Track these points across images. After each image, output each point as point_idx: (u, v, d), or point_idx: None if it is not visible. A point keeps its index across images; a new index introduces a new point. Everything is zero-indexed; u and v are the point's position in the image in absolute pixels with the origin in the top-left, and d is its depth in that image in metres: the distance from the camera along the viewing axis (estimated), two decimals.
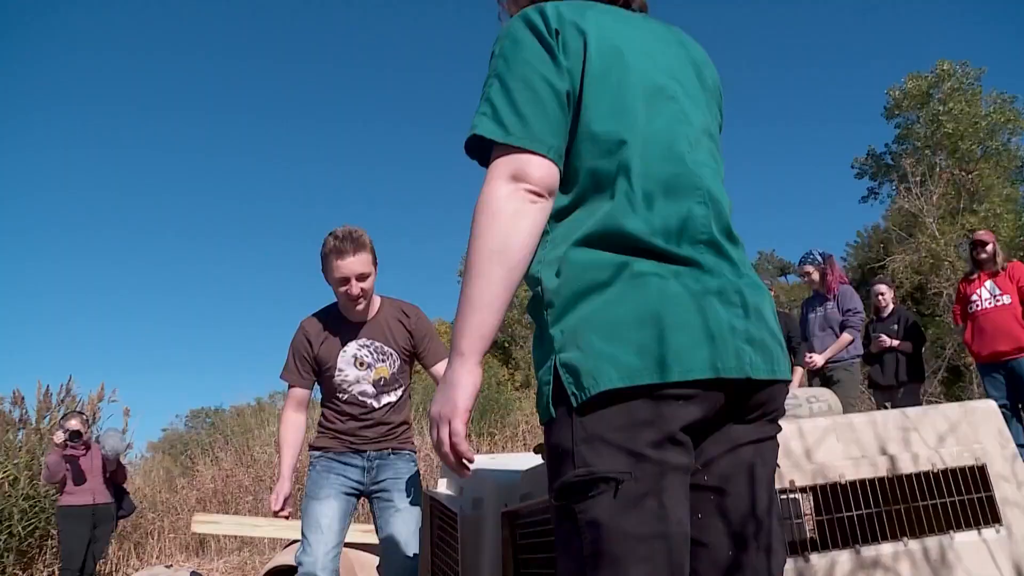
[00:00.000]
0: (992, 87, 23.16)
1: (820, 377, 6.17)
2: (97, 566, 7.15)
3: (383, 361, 3.29)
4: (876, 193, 26.27)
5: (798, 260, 6.59)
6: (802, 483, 1.76)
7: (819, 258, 6.41)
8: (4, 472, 7.69)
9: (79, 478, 6.76)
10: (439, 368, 3.27)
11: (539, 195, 1.19)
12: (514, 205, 1.17)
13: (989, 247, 6.33)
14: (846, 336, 6.11)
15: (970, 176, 21.20)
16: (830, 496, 1.81)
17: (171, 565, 7.67)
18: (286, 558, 4.78)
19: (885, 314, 6.77)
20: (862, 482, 1.82)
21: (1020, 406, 5.97)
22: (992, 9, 34.77)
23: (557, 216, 1.25)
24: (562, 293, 1.19)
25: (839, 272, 6.54)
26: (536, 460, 2.40)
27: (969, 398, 14.46)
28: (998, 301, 6.15)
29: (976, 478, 1.89)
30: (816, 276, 6.33)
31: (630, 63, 1.28)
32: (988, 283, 6.25)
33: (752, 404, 1.22)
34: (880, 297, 6.79)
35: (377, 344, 3.29)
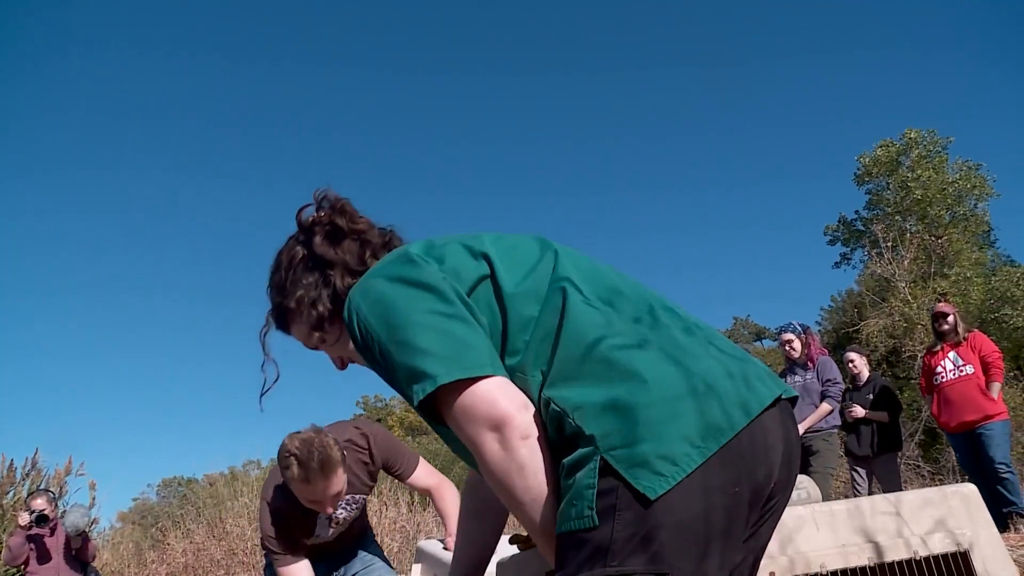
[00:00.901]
0: (958, 155, 23.75)
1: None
2: None
3: (356, 508, 3.13)
4: (848, 258, 26.64)
5: (776, 329, 6.66)
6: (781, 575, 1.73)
7: (799, 328, 6.48)
8: None
9: (43, 557, 6.60)
10: (416, 478, 3.18)
11: None
12: None
13: (950, 318, 6.45)
14: (826, 406, 6.13)
15: (939, 241, 21.56)
16: None
17: None
18: None
19: (861, 382, 6.82)
20: (843, 571, 1.79)
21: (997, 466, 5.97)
22: (958, 79, 35.88)
23: None
24: None
25: (818, 343, 6.61)
26: (510, 549, 2.35)
27: (947, 461, 14.48)
28: (961, 372, 6.23)
29: (959, 565, 1.87)
30: (797, 345, 6.37)
31: None
32: (951, 354, 6.35)
33: None
34: (851, 365, 6.85)
35: (352, 497, 3.07)
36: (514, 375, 1.23)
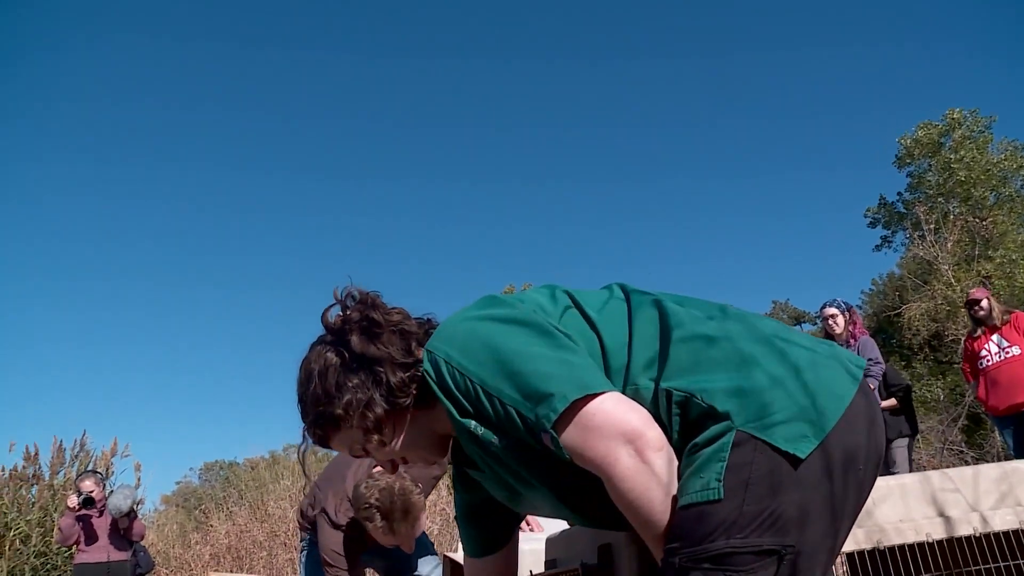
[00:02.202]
0: (1003, 135, 23.25)
1: None
2: None
3: None
4: (890, 241, 26.24)
5: (819, 307, 6.50)
6: (848, 549, 1.73)
7: (843, 305, 6.35)
8: (16, 530, 7.64)
9: (92, 537, 6.75)
10: None
11: None
12: None
13: (983, 303, 6.34)
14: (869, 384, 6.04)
15: (984, 223, 21.17)
16: (859, 562, 1.77)
17: None
18: None
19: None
20: (914, 545, 1.78)
21: None
22: (1001, 58, 35.07)
23: None
24: None
25: (860, 322, 6.49)
26: (561, 524, 2.35)
27: (991, 447, 14.28)
28: (1008, 353, 6.11)
29: (1021, 542, 1.83)
30: (840, 321, 6.22)
31: None
32: (995, 337, 6.23)
33: None
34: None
35: None
36: (624, 391, 1.23)
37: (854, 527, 1.76)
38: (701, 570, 1.10)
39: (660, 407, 1.22)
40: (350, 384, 1.39)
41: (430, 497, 10.31)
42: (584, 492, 1.30)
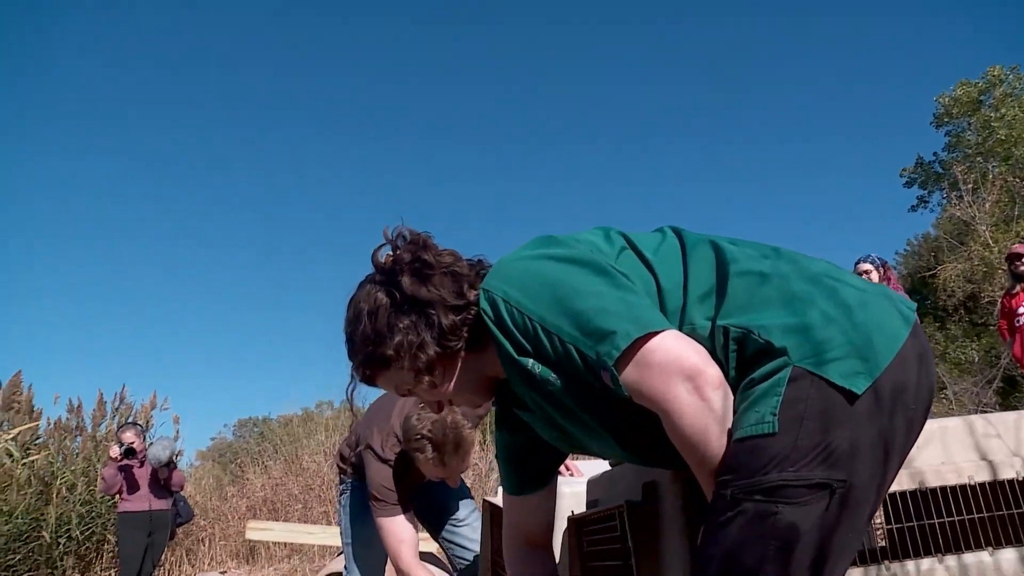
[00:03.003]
0: None
1: None
2: (154, 571, 7.29)
3: None
4: (926, 202, 25.82)
5: (854, 262, 6.43)
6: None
7: (878, 260, 6.28)
8: (62, 478, 7.85)
9: (133, 487, 6.92)
10: None
11: None
12: None
13: None
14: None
15: None
16: (900, 503, 1.78)
17: (225, 572, 7.77)
18: (338, 566, 4.82)
19: None
20: (951, 488, 1.79)
21: None
22: None
23: None
24: None
25: (895, 279, 6.41)
26: (602, 467, 2.38)
27: None
28: None
29: None
30: (875, 276, 6.16)
31: None
32: None
33: None
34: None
35: None
36: (681, 329, 1.24)
37: None
38: (753, 501, 1.12)
39: (717, 344, 1.24)
40: (401, 325, 1.39)
41: None
42: (639, 429, 1.32)
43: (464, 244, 1.47)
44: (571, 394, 1.30)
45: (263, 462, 12.21)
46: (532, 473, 1.64)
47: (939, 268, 20.25)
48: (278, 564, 9.17)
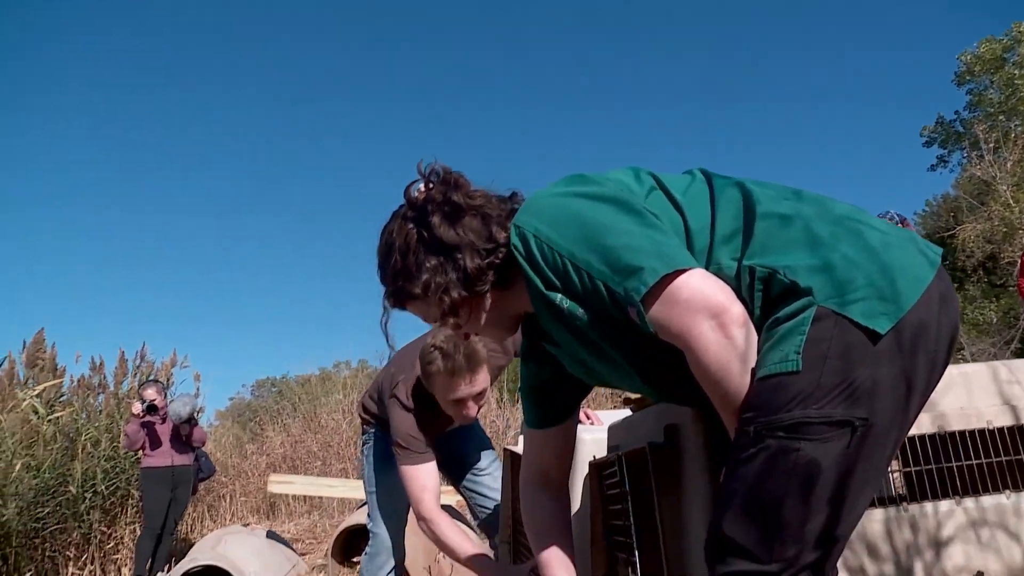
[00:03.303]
0: None
1: None
2: (177, 526, 7.43)
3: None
4: (946, 161, 25.53)
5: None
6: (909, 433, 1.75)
7: (896, 216, 6.23)
8: (87, 434, 7.98)
9: (156, 443, 7.03)
10: None
11: None
12: None
13: None
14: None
15: None
16: (920, 447, 1.80)
17: (248, 524, 7.91)
18: (359, 518, 4.91)
19: None
20: (971, 432, 1.80)
21: None
22: None
23: None
24: None
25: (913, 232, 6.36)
26: (623, 414, 2.40)
27: None
28: None
29: None
30: None
31: None
32: None
33: None
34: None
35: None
36: (707, 269, 1.26)
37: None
38: (775, 438, 1.14)
39: (742, 284, 1.26)
40: (428, 265, 1.42)
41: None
42: (663, 366, 1.34)
43: (496, 180, 1.49)
44: (597, 329, 1.32)
45: (282, 420, 12.38)
46: (554, 407, 1.67)
47: (958, 228, 20.09)
48: (298, 519, 9.32)
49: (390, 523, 3.10)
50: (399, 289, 1.48)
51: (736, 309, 1.18)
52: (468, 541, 2.51)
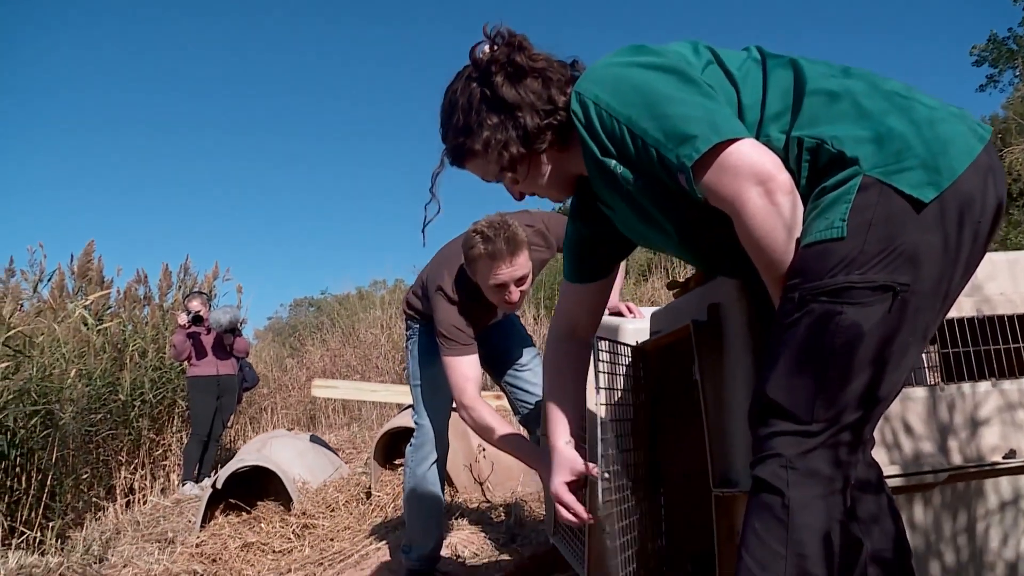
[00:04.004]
0: None
1: None
2: (223, 433, 7.69)
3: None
4: (996, 81, 24.65)
5: None
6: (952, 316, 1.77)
7: None
8: (134, 345, 8.21)
9: (201, 352, 7.22)
10: None
11: None
12: None
13: None
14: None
15: None
16: (959, 329, 1.82)
17: (292, 428, 8.16)
18: (400, 421, 5.05)
19: None
20: (1012, 317, 1.82)
21: None
22: None
23: None
24: None
25: None
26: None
27: None
28: None
29: None
30: None
31: None
32: None
33: None
34: None
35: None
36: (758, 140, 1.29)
37: (965, 297, 1.81)
38: (819, 302, 1.18)
39: (790, 155, 1.29)
40: (489, 123, 1.49)
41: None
42: (709, 234, 1.39)
43: (557, 48, 1.53)
44: (648, 195, 1.37)
45: (321, 335, 12.61)
46: (593, 265, 1.75)
47: (1006, 151, 19.53)
48: (338, 431, 9.55)
49: (434, 416, 3.19)
50: (459, 146, 1.55)
51: (783, 177, 1.22)
52: (508, 426, 2.56)
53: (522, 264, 2.67)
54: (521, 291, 2.74)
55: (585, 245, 1.73)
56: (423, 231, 1.73)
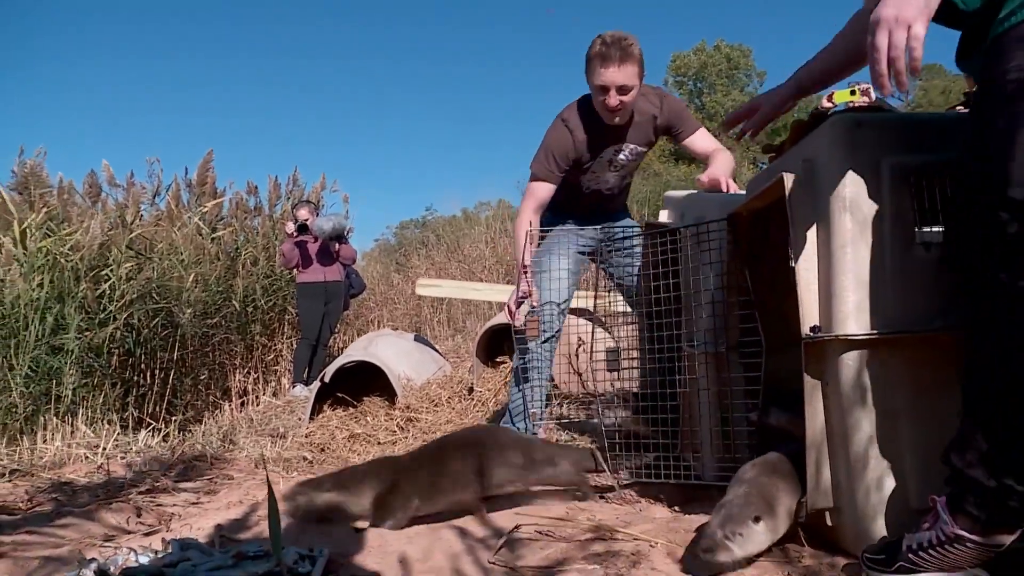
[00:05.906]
0: None
1: None
2: (331, 337, 7.92)
3: (635, 160, 3.30)
4: None
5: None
6: None
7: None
8: (246, 253, 8.50)
9: (308, 260, 7.40)
10: (694, 140, 3.27)
11: None
12: None
13: None
14: None
15: None
16: None
17: (397, 328, 8.35)
18: (503, 319, 5.06)
19: None
20: None
21: None
22: None
23: None
24: None
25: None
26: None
27: None
28: None
29: None
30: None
31: None
32: None
33: None
34: None
35: (634, 148, 3.26)
36: None
37: None
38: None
39: None
40: None
41: None
42: None
43: None
44: None
45: (426, 251, 12.78)
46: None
47: None
48: (443, 342, 9.72)
49: (548, 303, 3.27)
50: None
51: None
52: (525, 240, 3.09)
53: (629, 75, 2.91)
54: (622, 100, 2.96)
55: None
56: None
